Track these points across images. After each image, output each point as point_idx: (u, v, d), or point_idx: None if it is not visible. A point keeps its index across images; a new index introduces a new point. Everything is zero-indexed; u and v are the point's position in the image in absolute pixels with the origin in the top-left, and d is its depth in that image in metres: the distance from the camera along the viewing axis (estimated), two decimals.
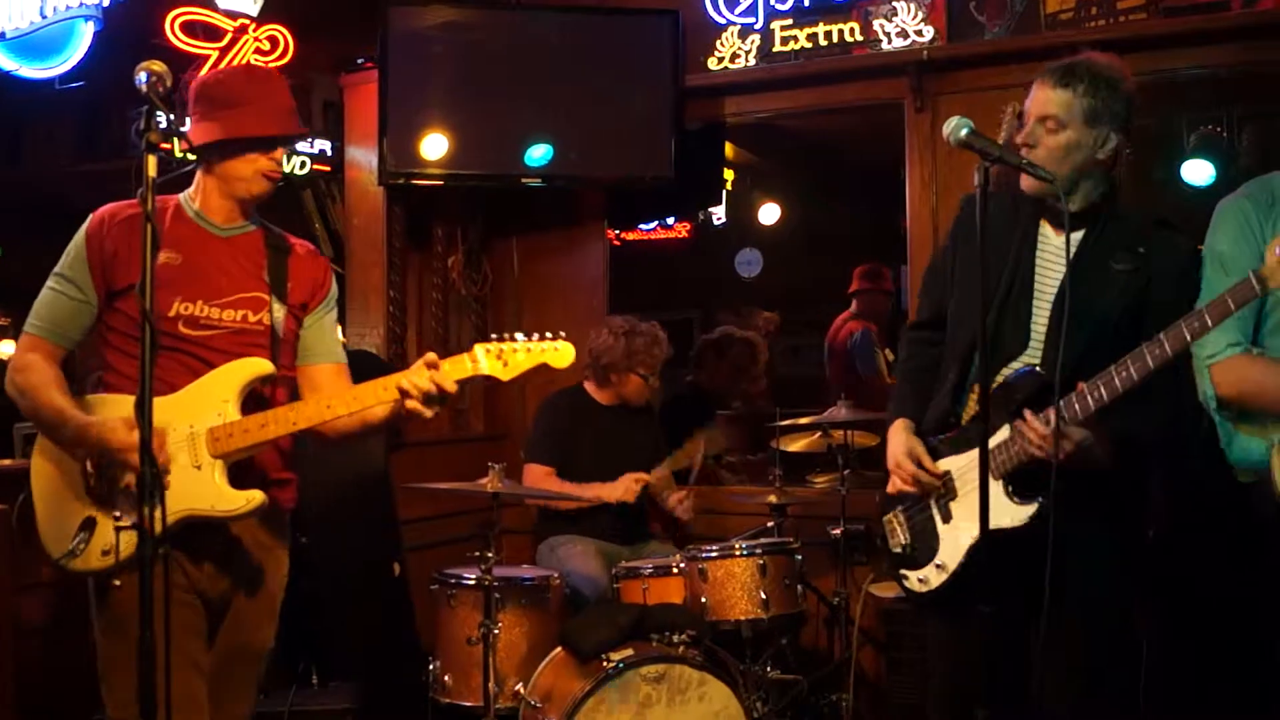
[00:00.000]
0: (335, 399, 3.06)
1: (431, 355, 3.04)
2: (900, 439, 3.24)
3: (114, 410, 2.96)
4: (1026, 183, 3.06)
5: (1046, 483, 2.76)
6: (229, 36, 5.68)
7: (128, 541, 2.79)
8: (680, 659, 4.05)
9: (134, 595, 2.49)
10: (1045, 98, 3.05)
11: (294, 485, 3.32)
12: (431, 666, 4.50)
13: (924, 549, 3.19)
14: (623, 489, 5.08)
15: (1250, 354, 2.95)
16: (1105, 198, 3.10)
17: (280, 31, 5.85)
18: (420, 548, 5.27)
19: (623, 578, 4.63)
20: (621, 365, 5.22)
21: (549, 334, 3.12)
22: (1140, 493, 3.17)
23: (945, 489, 3.15)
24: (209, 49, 5.55)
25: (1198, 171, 5.91)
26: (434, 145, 5.58)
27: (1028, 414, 2.90)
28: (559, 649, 4.26)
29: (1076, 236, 3.00)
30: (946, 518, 3.15)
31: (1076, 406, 2.87)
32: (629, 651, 4.06)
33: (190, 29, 5.53)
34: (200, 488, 2.96)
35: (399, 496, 5.14)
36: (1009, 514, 2.95)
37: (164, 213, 3.14)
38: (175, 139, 4.15)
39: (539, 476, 5.15)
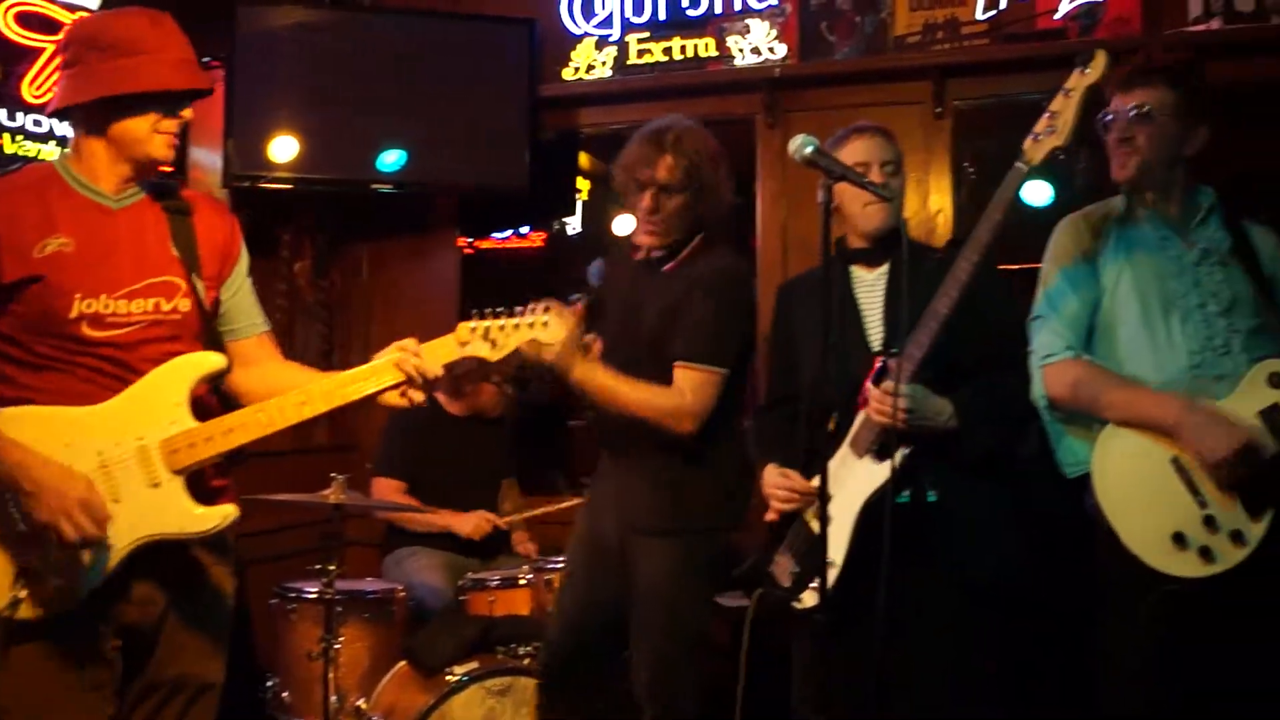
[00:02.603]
0: (313, 395, 2.72)
1: (400, 341, 2.78)
2: (770, 470, 3.32)
3: (30, 428, 2.58)
4: (869, 223, 3.31)
5: (906, 443, 2.96)
6: (66, 29, 5.49)
7: (42, 599, 2.54)
8: (525, 672, 4.02)
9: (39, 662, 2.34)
10: (877, 145, 3.33)
11: (232, 491, 2.88)
12: (270, 683, 4.41)
13: (813, 564, 3.19)
14: (472, 525, 5.03)
15: (1081, 358, 3.13)
16: (901, 229, 3.39)
17: None
18: (260, 561, 5.13)
19: (469, 590, 4.57)
20: (476, 373, 5.17)
21: (532, 306, 2.91)
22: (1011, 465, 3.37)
23: (819, 499, 3.19)
24: (45, 42, 5.35)
25: (1037, 193, 6.05)
26: (283, 148, 5.46)
27: (866, 385, 3.04)
28: (403, 663, 4.21)
29: (885, 267, 3.32)
30: (826, 521, 3.18)
31: (906, 366, 2.99)
32: (474, 665, 4.03)
33: (26, 20, 5.33)
34: (162, 509, 2.62)
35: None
36: (878, 475, 3.04)
37: (40, 186, 2.71)
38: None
39: (388, 492, 5.08)
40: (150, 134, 2.71)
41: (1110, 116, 3.20)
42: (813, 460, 3.21)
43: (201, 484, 2.73)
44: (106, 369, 2.68)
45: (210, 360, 2.73)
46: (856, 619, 2.89)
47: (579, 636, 3.67)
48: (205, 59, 5.64)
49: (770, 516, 3.31)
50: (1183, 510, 2.92)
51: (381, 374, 2.75)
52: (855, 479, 3.10)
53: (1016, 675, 3.91)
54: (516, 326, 2.85)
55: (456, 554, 5.04)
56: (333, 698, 4.06)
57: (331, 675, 4.04)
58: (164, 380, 2.68)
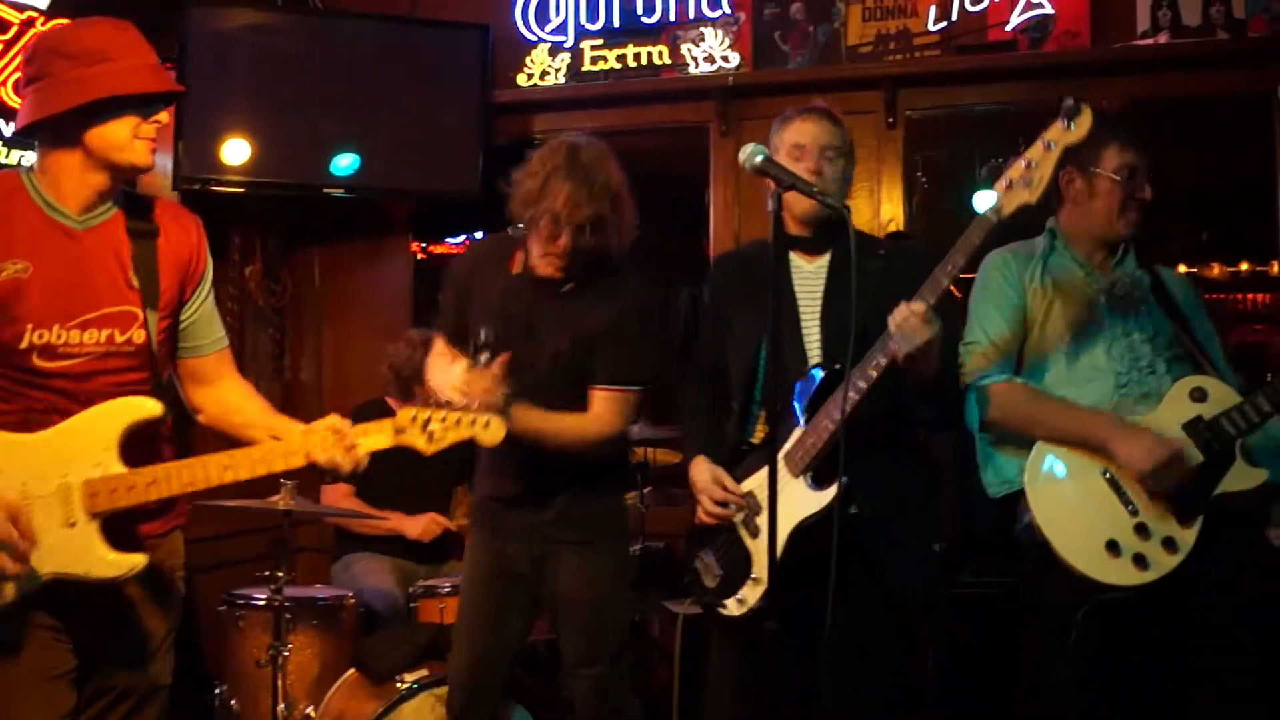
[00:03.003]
0: (239, 461, 2.67)
1: (336, 419, 2.72)
2: (702, 469, 3.32)
3: None
4: (803, 206, 3.22)
5: (841, 469, 2.91)
6: (15, 29, 5.42)
7: None
8: None
9: None
10: (821, 129, 3.27)
11: (181, 500, 2.87)
12: (218, 690, 4.37)
13: (739, 573, 3.24)
14: (421, 528, 5.03)
15: (1014, 381, 3.24)
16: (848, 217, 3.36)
17: None
18: (208, 568, 5.10)
19: (420, 596, 4.54)
20: (420, 376, 5.15)
21: (477, 406, 2.87)
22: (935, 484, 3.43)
23: (750, 507, 3.23)
24: None
25: (988, 202, 6.10)
26: (235, 150, 5.42)
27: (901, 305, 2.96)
28: (352, 670, 4.18)
29: (826, 258, 3.29)
30: (754, 534, 3.21)
31: (871, 373, 2.99)
32: (424, 672, 4.01)
33: None
34: (73, 549, 2.57)
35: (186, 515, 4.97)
36: (814, 502, 3.04)
37: (4, 203, 2.64)
38: None
39: (337, 496, 5.05)
40: (130, 140, 2.66)
41: (1129, 173, 3.27)
42: (742, 459, 3.30)
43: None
44: (59, 403, 2.64)
45: (146, 407, 2.66)
46: (782, 633, 2.88)
47: (489, 677, 3.60)
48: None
49: (701, 519, 3.32)
50: (1115, 519, 3.03)
51: (313, 450, 2.70)
52: (788, 498, 3.03)
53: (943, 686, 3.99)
54: (458, 423, 2.79)
55: (405, 559, 5.03)
56: (281, 705, 4.03)
57: (280, 682, 4.02)
58: (97, 421, 2.63)
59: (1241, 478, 3.03)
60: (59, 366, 2.63)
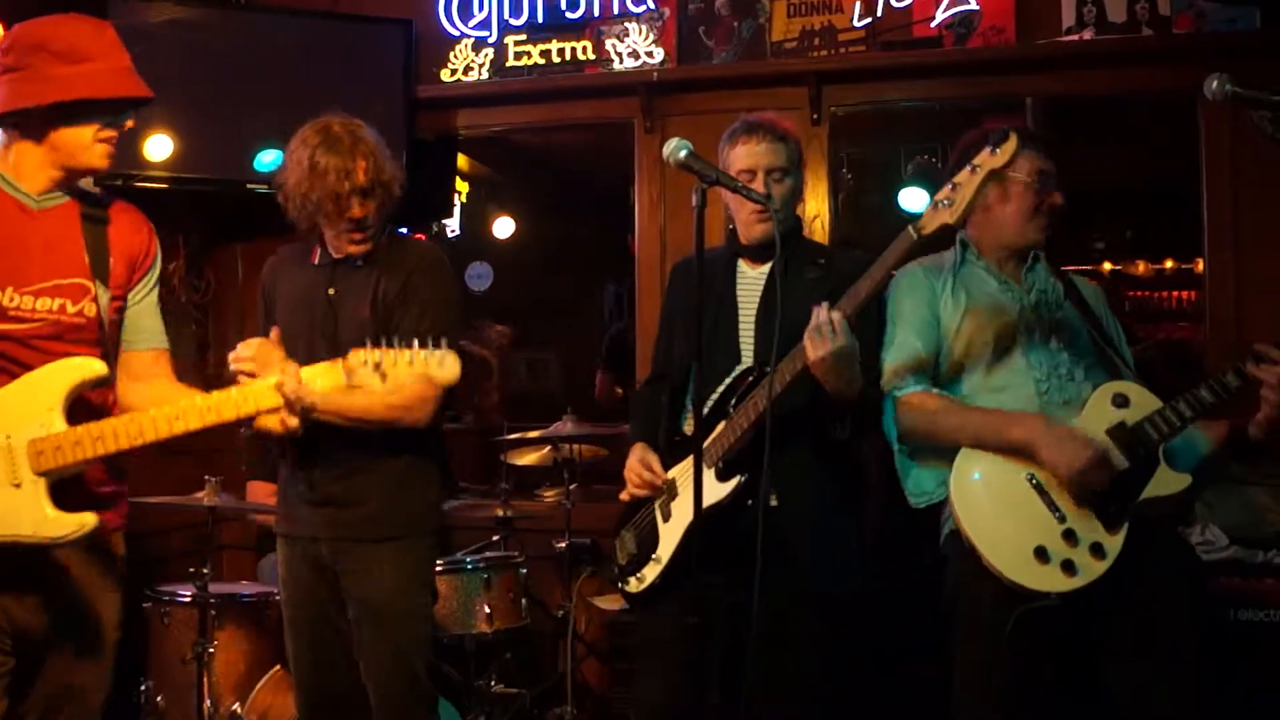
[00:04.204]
0: (187, 411, 2.66)
1: (290, 363, 2.74)
2: (635, 452, 3.46)
3: None
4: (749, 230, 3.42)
5: (750, 464, 3.09)
6: None
7: None
8: None
9: None
10: (766, 150, 3.37)
11: (123, 500, 2.91)
12: (143, 688, 4.33)
13: (647, 552, 3.40)
14: None
15: (931, 392, 3.26)
16: (795, 228, 3.55)
17: None
18: (132, 563, 5.04)
19: None
20: None
21: (430, 340, 2.69)
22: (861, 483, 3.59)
23: (669, 492, 3.37)
24: None
25: (914, 199, 6.16)
26: (157, 146, 5.35)
27: (814, 308, 3.06)
28: (278, 667, 4.17)
29: (766, 267, 3.39)
30: (667, 517, 3.37)
31: (786, 376, 3.11)
32: None
33: None
34: (20, 509, 2.56)
35: None
36: (716, 491, 3.17)
37: None
38: None
39: (263, 495, 5.00)
40: (91, 143, 2.73)
41: (1041, 178, 3.30)
42: (673, 447, 3.43)
43: (85, 489, 2.71)
44: (6, 366, 2.67)
45: (89, 367, 2.67)
46: (670, 615, 3.16)
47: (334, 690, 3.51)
48: None
49: (624, 497, 3.45)
50: (1042, 525, 3.03)
51: (260, 398, 2.70)
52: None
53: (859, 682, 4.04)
54: (410, 361, 2.67)
55: None
56: (207, 702, 4.02)
57: (206, 679, 4.00)
58: (42, 381, 2.64)
59: (1165, 483, 3.03)
60: (8, 329, 2.68)
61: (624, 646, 4.95)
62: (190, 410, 2.67)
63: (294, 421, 2.72)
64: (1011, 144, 2.90)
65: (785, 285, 3.05)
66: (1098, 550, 2.98)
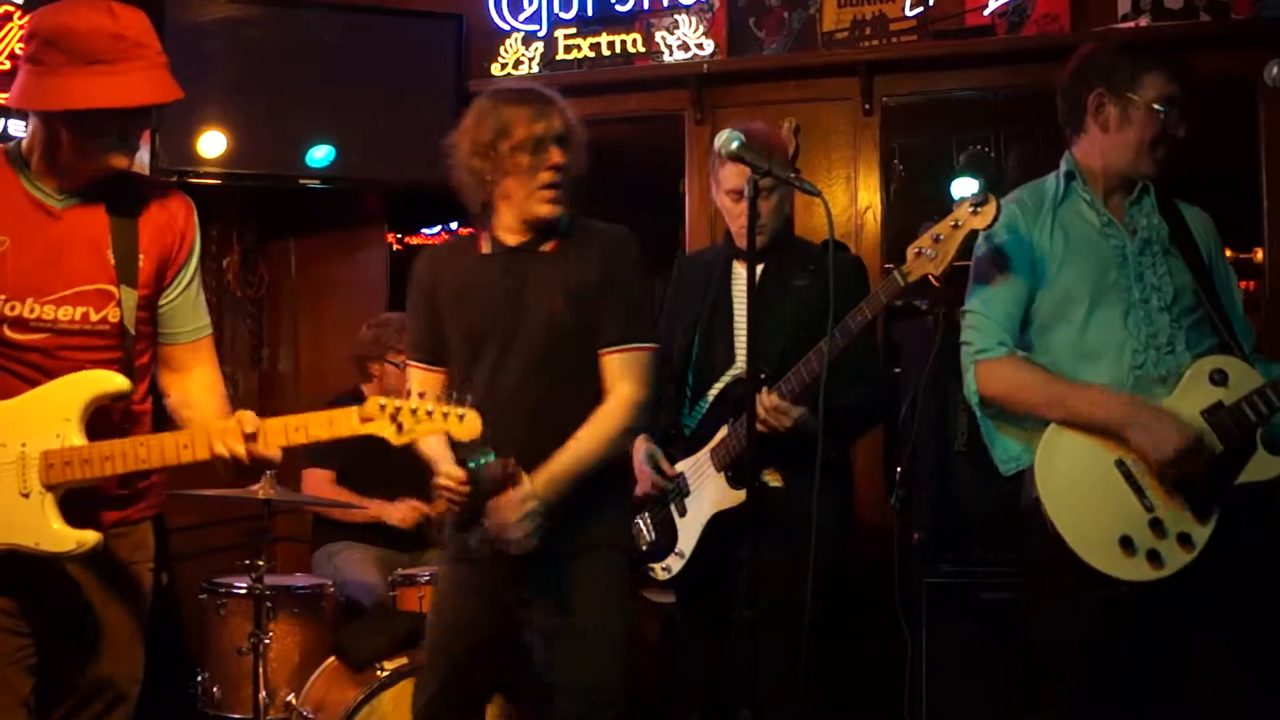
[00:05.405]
0: (197, 440, 2.58)
1: (246, 414, 2.59)
2: (640, 449, 3.64)
3: None
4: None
5: (760, 468, 3.31)
6: None
7: None
8: None
9: None
10: (738, 171, 3.40)
11: (154, 490, 2.85)
12: (199, 678, 4.39)
13: (666, 542, 3.64)
14: (400, 515, 5.01)
15: (1015, 356, 3.05)
16: (784, 233, 3.67)
17: None
18: (188, 556, 5.11)
19: (399, 585, 4.55)
20: (373, 353, 5.16)
21: (453, 396, 2.63)
22: (847, 462, 3.78)
23: (679, 488, 3.60)
24: None
25: (966, 189, 6.10)
26: (211, 143, 5.41)
27: (762, 392, 3.29)
28: (332, 658, 4.19)
29: (761, 269, 3.52)
30: (682, 512, 3.60)
31: (784, 389, 3.32)
32: (403, 660, 4.01)
33: None
34: (25, 520, 2.53)
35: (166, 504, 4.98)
36: (730, 498, 3.45)
37: None
38: None
39: (318, 482, 5.05)
40: (111, 145, 2.63)
41: (1169, 106, 3.05)
42: (673, 442, 3.67)
43: (100, 490, 2.68)
44: (26, 372, 2.63)
45: (110, 381, 2.62)
46: (703, 602, 3.56)
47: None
48: None
49: (638, 492, 3.65)
50: (1129, 514, 2.89)
51: (269, 440, 2.61)
52: (710, 490, 3.52)
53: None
54: (430, 414, 2.60)
55: (387, 548, 5.02)
56: (262, 693, 4.04)
57: (261, 670, 4.03)
58: (61, 392, 2.60)
59: (1262, 467, 2.88)
60: (30, 339, 2.63)
61: (673, 637, 4.96)
62: (200, 441, 2.60)
63: (246, 462, 2.61)
64: (992, 208, 2.91)
65: (773, 292, 3.26)
66: (1185, 541, 2.85)
